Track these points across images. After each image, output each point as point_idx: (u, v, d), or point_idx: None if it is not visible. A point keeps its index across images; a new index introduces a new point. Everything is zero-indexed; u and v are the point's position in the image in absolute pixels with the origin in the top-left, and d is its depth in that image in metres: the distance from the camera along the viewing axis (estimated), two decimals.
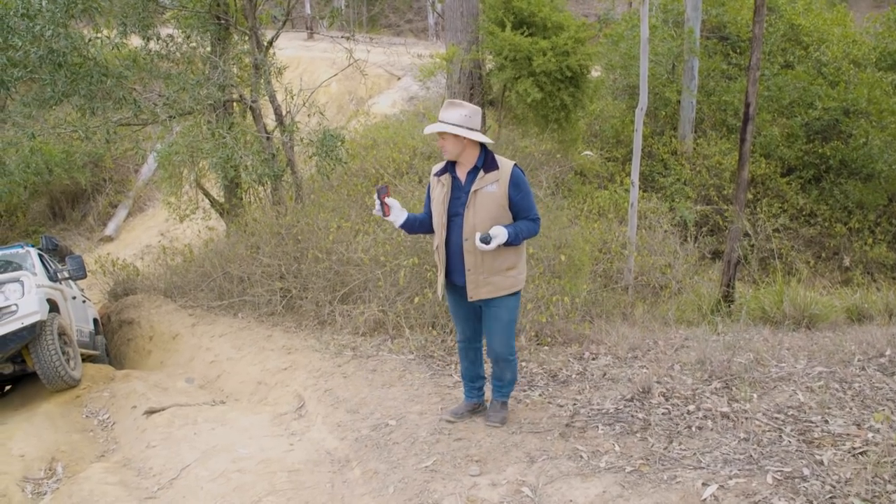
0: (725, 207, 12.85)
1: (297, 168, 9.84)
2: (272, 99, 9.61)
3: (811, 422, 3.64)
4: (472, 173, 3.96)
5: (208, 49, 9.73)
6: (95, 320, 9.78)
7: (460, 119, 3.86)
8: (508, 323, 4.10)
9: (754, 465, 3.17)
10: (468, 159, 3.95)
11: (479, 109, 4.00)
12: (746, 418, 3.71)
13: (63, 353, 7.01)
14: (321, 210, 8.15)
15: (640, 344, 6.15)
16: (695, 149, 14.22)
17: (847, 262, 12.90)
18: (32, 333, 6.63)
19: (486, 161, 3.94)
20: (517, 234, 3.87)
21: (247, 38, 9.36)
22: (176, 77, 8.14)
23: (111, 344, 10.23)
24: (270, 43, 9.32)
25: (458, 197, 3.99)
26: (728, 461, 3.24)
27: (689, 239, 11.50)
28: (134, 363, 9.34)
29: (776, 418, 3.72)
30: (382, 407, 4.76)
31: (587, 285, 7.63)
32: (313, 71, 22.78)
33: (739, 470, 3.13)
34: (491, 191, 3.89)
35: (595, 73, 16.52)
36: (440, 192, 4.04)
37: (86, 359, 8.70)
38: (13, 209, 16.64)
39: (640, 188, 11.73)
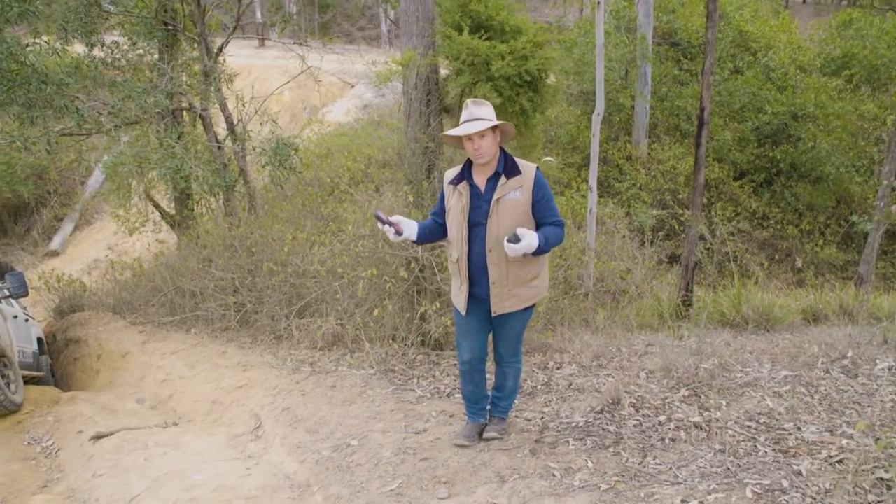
0: (681, 212, 12.98)
1: (250, 178, 9.59)
2: (223, 107, 9.35)
3: (784, 429, 3.58)
4: (493, 179, 3.70)
5: (156, 56, 9.42)
6: (39, 339, 9.34)
7: (491, 113, 3.66)
8: (518, 333, 3.95)
9: (732, 479, 3.08)
10: (490, 164, 3.71)
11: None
12: (719, 428, 3.64)
13: (3, 376, 6.65)
14: (275, 221, 7.92)
15: (603, 351, 6.08)
16: (649, 154, 14.36)
17: (799, 263, 13.14)
18: None
19: (507, 165, 3.69)
20: (547, 240, 3.58)
21: (196, 44, 9.07)
22: (121, 85, 7.83)
23: (57, 364, 9.79)
24: (220, 50, 9.06)
25: (479, 206, 3.71)
26: (705, 475, 3.15)
27: (646, 244, 11.55)
28: (81, 384, 8.94)
29: (748, 427, 3.65)
30: (343, 426, 4.58)
31: (548, 293, 7.55)
32: (265, 79, 22.47)
33: (717, 484, 3.04)
34: (514, 197, 3.64)
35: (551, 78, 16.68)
36: (458, 202, 3.75)
37: (29, 381, 8.29)
38: None
39: (597, 194, 11.78)
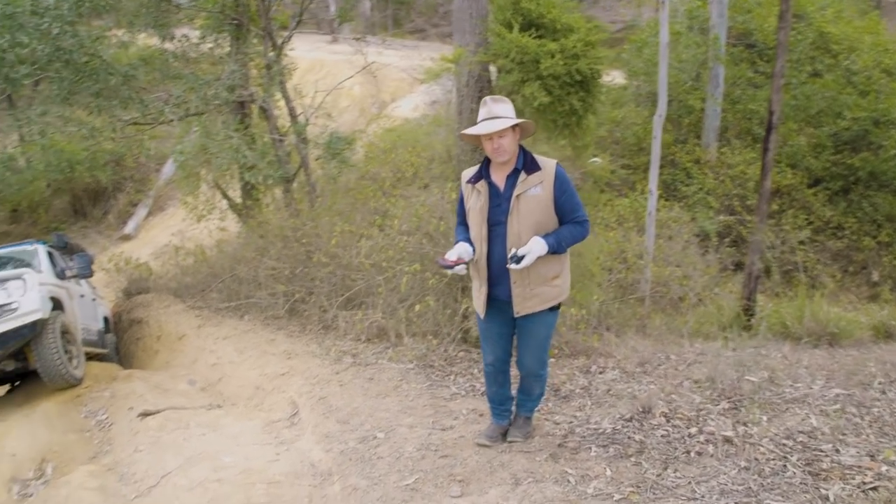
0: (749, 218, 12.54)
1: (311, 170, 9.75)
2: (287, 100, 9.54)
3: (821, 450, 3.41)
4: (512, 176, 3.63)
5: (227, 49, 9.69)
6: (106, 318, 9.76)
7: (511, 111, 3.61)
8: (544, 339, 3.83)
9: (753, 498, 2.95)
10: (510, 161, 3.64)
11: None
12: (751, 444, 3.49)
13: (65, 351, 6.95)
14: (327, 213, 8.04)
15: (650, 358, 5.93)
16: (719, 158, 13.93)
17: (875, 276, 12.50)
18: (33, 331, 6.58)
19: (527, 161, 3.62)
20: (560, 241, 3.54)
21: (261, 38, 9.29)
22: (185, 77, 8.08)
23: (121, 342, 10.20)
24: (282, 44, 9.24)
25: (499, 204, 3.64)
26: (725, 492, 3.03)
27: (710, 250, 11.23)
28: (142, 362, 9.29)
29: (783, 445, 3.49)
30: (373, 418, 4.61)
31: (599, 295, 7.42)
32: (336, 74, 22.74)
33: (736, 503, 2.92)
34: (535, 194, 3.56)
35: (617, 79, 16.39)
36: (477, 201, 3.68)
37: (94, 357, 8.67)
38: (35, 206, 16.79)
39: (661, 197, 11.51)
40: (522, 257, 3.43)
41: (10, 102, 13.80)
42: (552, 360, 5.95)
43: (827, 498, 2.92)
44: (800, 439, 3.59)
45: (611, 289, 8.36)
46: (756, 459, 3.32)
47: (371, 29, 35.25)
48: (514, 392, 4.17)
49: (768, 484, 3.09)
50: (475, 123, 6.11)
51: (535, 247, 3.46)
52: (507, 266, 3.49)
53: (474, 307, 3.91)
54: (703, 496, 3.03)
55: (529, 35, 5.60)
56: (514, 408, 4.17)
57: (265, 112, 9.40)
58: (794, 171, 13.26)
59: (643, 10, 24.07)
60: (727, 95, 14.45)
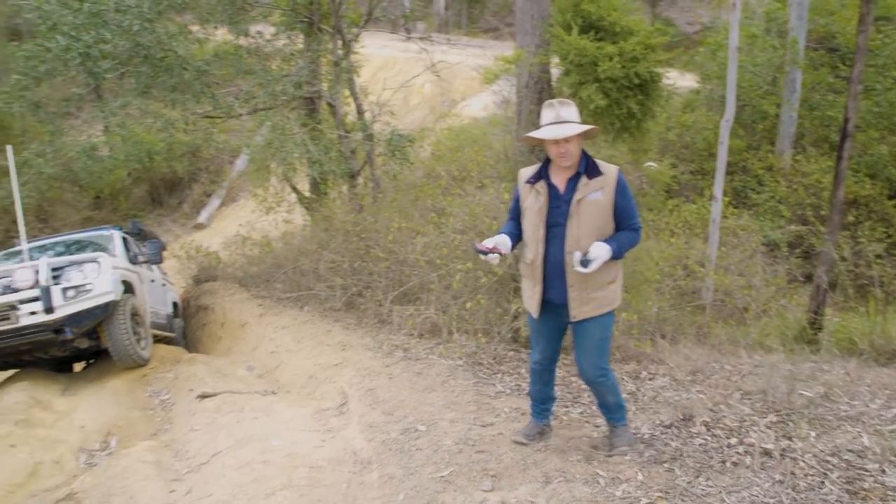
0: (822, 229, 12.12)
1: (376, 166, 9.92)
2: (355, 97, 9.74)
3: (865, 470, 3.31)
4: (574, 180, 3.62)
5: (299, 46, 9.96)
6: (175, 304, 10.18)
7: (577, 115, 3.61)
8: (602, 341, 3.75)
9: None
10: (572, 164, 3.62)
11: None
12: (791, 458, 3.42)
13: (134, 332, 7.32)
14: (385, 209, 8.19)
15: (703, 367, 5.84)
16: (793, 165, 13.49)
17: None
18: (105, 312, 6.96)
19: (589, 166, 3.61)
20: (620, 248, 3.56)
21: (331, 36, 9.51)
22: (256, 73, 8.36)
23: (188, 327, 10.62)
24: (351, 41, 9.43)
25: (558, 206, 3.62)
26: None
27: (780, 260, 10.91)
28: (206, 348, 9.65)
29: (826, 462, 3.41)
30: (417, 411, 4.70)
31: (655, 302, 7.34)
32: (408, 71, 23.00)
33: None
34: (596, 199, 3.55)
35: (690, 82, 16.06)
36: (535, 202, 3.67)
37: (161, 340, 9.06)
38: (116, 193, 17.61)
39: (730, 204, 11.25)
40: (591, 261, 3.44)
41: (98, 95, 14.52)
42: None
43: None
44: (845, 457, 3.50)
45: (669, 295, 8.24)
46: (793, 473, 3.25)
47: (444, 27, 35.50)
48: (556, 393, 4.19)
49: (801, 499, 3.03)
50: (535, 124, 6.14)
51: (602, 252, 3.47)
52: (575, 268, 3.49)
53: (525, 307, 3.90)
54: None
55: (589, 37, 5.58)
56: (551, 412, 4.17)
57: (332, 108, 9.62)
58: (873, 182, 12.73)
59: (721, 11, 23.49)
60: (805, 101, 13.98)
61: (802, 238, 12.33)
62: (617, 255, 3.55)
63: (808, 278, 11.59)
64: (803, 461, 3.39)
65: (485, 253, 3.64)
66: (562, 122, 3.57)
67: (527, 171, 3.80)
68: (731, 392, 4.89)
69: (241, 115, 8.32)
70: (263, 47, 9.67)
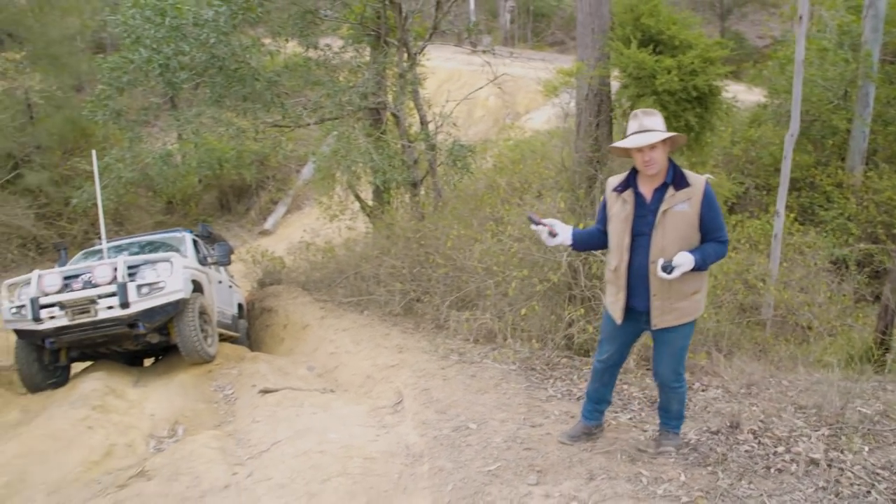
0: (893, 247, 11.77)
1: (439, 176, 10.13)
2: (418, 108, 9.98)
3: None
4: (661, 190, 3.63)
5: (366, 59, 10.29)
6: (240, 305, 10.57)
7: (662, 124, 3.63)
8: (681, 349, 3.79)
9: None
10: (659, 174, 3.64)
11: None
12: (838, 468, 3.42)
13: (202, 329, 7.66)
14: (444, 217, 8.37)
15: (759, 381, 5.79)
16: (864, 182, 13.12)
17: None
18: (176, 309, 7.32)
19: (677, 176, 3.61)
20: (704, 259, 3.57)
21: (396, 49, 9.78)
22: (324, 84, 8.68)
23: (252, 328, 11.00)
24: (416, 54, 9.68)
25: (644, 216, 3.65)
26: None
27: (847, 278, 10.64)
28: (269, 348, 9.99)
29: (876, 474, 3.39)
30: (469, 411, 4.83)
31: (713, 315, 7.30)
32: (472, 84, 23.26)
33: None
34: (682, 210, 3.56)
35: (758, 96, 15.80)
36: (621, 210, 3.70)
37: (227, 339, 9.44)
38: (188, 199, 18.33)
39: (796, 220, 11.05)
40: (674, 268, 3.49)
41: (173, 104, 15.20)
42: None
43: None
44: None
45: (727, 310, 8.17)
46: (838, 482, 3.25)
47: (510, 40, 35.71)
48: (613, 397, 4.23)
49: None
50: (595, 137, 6.25)
51: (686, 261, 3.49)
52: (658, 274, 3.54)
53: (609, 312, 3.93)
54: None
55: (648, 51, 5.65)
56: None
57: (396, 119, 9.88)
58: None
59: (791, 25, 22.99)
60: (879, 116, 13.58)
61: (872, 256, 11.99)
62: (701, 266, 3.57)
63: (878, 298, 11.26)
64: (851, 472, 3.38)
65: (535, 222, 3.77)
66: (645, 130, 3.60)
67: (615, 180, 3.81)
68: (785, 406, 4.86)
69: (308, 124, 8.64)
70: (331, 59, 10.01)
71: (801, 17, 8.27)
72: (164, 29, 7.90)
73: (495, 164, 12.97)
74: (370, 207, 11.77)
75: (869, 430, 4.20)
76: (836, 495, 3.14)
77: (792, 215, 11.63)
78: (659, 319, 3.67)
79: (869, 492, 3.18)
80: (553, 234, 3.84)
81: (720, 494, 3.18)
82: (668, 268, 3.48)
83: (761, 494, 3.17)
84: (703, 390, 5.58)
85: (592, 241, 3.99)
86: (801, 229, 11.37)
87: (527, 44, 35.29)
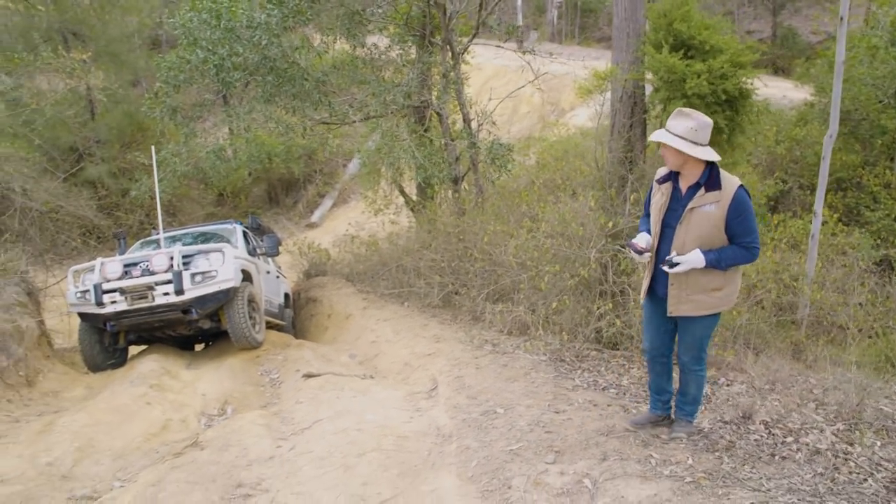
0: None
1: (480, 173, 10.39)
2: (462, 106, 10.25)
3: None
4: (693, 188, 3.79)
5: (411, 57, 10.60)
6: (287, 295, 11.01)
7: (685, 131, 3.71)
8: (701, 339, 3.98)
9: (817, 499, 3.11)
10: (691, 173, 3.79)
11: (709, 122, 3.79)
12: (842, 458, 3.60)
13: (250, 317, 8.09)
14: (482, 213, 8.63)
15: (785, 378, 5.93)
16: None
17: None
18: (227, 297, 7.75)
19: (710, 179, 3.74)
20: (720, 260, 3.70)
21: (440, 48, 10.06)
22: (370, 83, 9.02)
23: (298, 317, 11.43)
24: (460, 53, 9.94)
25: (675, 209, 3.86)
26: (792, 490, 3.21)
27: (892, 281, 10.58)
28: (313, 337, 10.40)
29: (879, 465, 3.56)
30: (498, 397, 5.11)
31: (744, 313, 7.42)
32: (518, 81, 23.41)
33: (799, 500, 3.10)
34: (708, 211, 3.71)
35: (805, 95, 15.63)
36: (659, 200, 3.93)
37: (273, 327, 9.87)
38: (238, 192, 18.94)
39: (840, 221, 11.01)
40: (677, 264, 3.70)
41: (225, 101, 15.76)
42: None
43: None
44: None
45: (761, 308, 8.25)
46: (837, 468, 3.44)
47: (557, 37, 35.67)
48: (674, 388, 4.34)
49: (838, 489, 3.22)
50: (627, 138, 6.46)
51: (693, 258, 3.69)
52: (661, 266, 3.78)
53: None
54: (768, 490, 3.23)
55: (678, 55, 5.82)
56: (672, 405, 4.32)
57: (439, 117, 10.18)
58: None
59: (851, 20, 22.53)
60: None
61: None
62: (715, 266, 3.72)
63: None
64: (854, 462, 3.57)
65: (639, 252, 3.93)
66: (666, 131, 3.79)
67: (661, 171, 4.02)
68: (807, 402, 5.02)
69: (354, 122, 8.99)
70: (378, 59, 10.35)
71: (841, 18, 8.30)
72: (219, 31, 8.35)
73: (538, 161, 13.17)
74: (413, 202, 12.10)
75: (885, 426, 4.35)
76: (832, 480, 3.33)
77: (836, 216, 11.56)
78: (674, 307, 3.87)
79: (866, 479, 3.36)
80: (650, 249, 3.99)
81: (722, 476, 3.40)
82: (672, 263, 3.68)
83: (761, 477, 3.38)
84: (727, 385, 5.76)
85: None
86: (845, 230, 11.31)
87: (574, 40, 35.21)
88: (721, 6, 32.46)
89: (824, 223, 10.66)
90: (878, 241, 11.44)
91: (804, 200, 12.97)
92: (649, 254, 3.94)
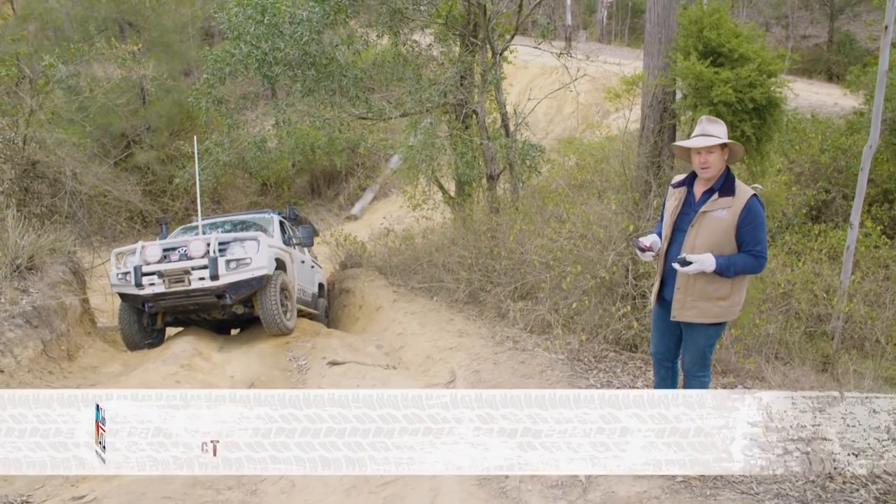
0: None
1: (517, 172, 10.48)
2: (500, 105, 10.35)
3: None
4: (707, 193, 3.88)
5: (455, 55, 10.74)
6: (321, 285, 11.27)
7: (722, 133, 3.85)
8: (704, 348, 4.02)
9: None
10: (711, 178, 3.88)
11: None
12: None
13: (282, 304, 8.34)
14: (516, 213, 8.73)
15: (805, 390, 5.93)
16: None
17: None
18: (260, 284, 8.02)
19: (725, 184, 3.83)
20: (729, 266, 3.74)
21: (480, 48, 10.17)
22: (407, 81, 9.20)
23: (331, 307, 11.69)
24: (501, 51, 10.03)
25: (687, 213, 3.94)
26: (781, 496, 3.27)
27: None
28: (345, 326, 10.65)
29: (878, 478, 3.60)
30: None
31: (768, 321, 7.40)
32: (563, 80, 23.32)
33: None
34: (719, 216, 3.78)
35: (855, 103, 15.31)
36: (672, 204, 4.02)
37: (306, 315, 10.13)
38: (281, 182, 19.33)
39: (884, 233, 10.82)
40: (689, 263, 3.75)
41: (273, 93, 16.13)
42: None
43: None
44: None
45: (793, 318, 8.18)
46: (830, 477, 3.48)
47: (606, 37, 35.42)
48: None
49: (827, 497, 3.27)
50: (655, 142, 6.51)
51: (705, 260, 3.73)
52: (672, 264, 3.84)
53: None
54: (757, 493, 3.30)
55: (706, 63, 5.85)
56: None
57: (476, 115, 10.30)
58: None
59: None
60: None
61: None
62: (723, 272, 3.76)
63: None
64: (853, 472, 3.60)
65: (642, 249, 4.05)
66: (706, 135, 3.86)
67: (677, 177, 4.13)
68: None
69: (390, 118, 9.19)
70: (418, 56, 10.51)
71: (886, 27, 8.17)
72: (263, 26, 8.63)
73: (577, 162, 13.19)
74: (451, 199, 12.24)
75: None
76: (822, 489, 3.38)
77: (879, 228, 11.37)
78: (678, 312, 3.94)
79: (858, 490, 3.40)
80: (654, 250, 4.09)
81: (714, 477, 3.48)
82: (683, 262, 3.74)
83: (752, 481, 3.45)
84: None
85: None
86: (889, 242, 11.10)
87: (623, 41, 34.91)
88: (775, 10, 31.85)
89: (867, 235, 10.50)
90: None
91: (847, 211, 12.72)
92: (652, 254, 4.02)
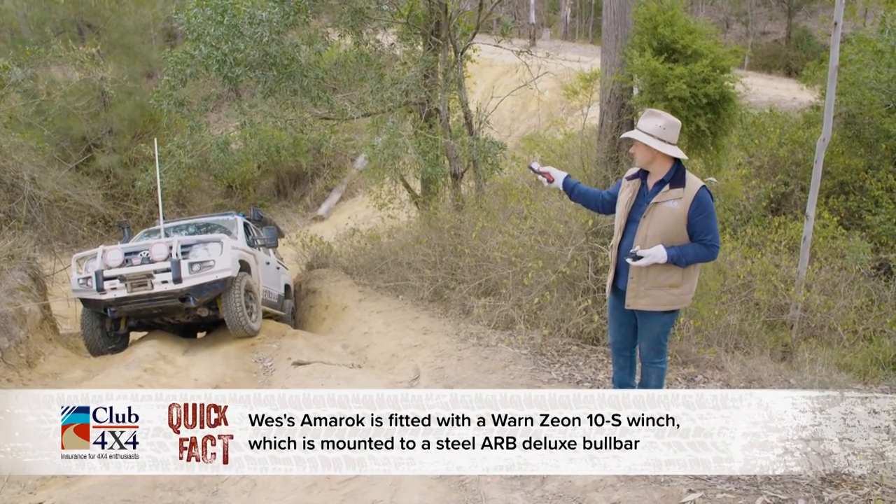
0: None
1: (480, 170, 10.54)
2: (463, 104, 10.40)
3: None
4: (658, 185, 3.98)
5: (418, 55, 10.77)
6: (287, 286, 11.23)
7: (654, 129, 3.91)
8: (658, 336, 4.15)
9: (753, 487, 3.26)
10: (658, 170, 3.98)
11: (677, 123, 3.99)
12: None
13: (247, 306, 8.30)
14: (479, 211, 8.79)
15: (765, 378, 6.08)
16: None
17: None
18: (224, 286, 7.97)
19: (675, 177, 3.94)
20: (681, 256, 3.87)
21: (441, 46, 10.22)
22: (369, 80, 9.21)
23: (297, 308, 11.65)
24: (462, 51, 10.08)
25: (640, 205, 4.03)
26: (732, 479, 3.36)
27: (891, 285, 10.63)
28: (312, 327, 10.62)
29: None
30: (474, 387, 5.29)
31: (727, 312, 7.54)
32: (526, 80, 23.48)
33: (736, 487, 3.25)
34: (670, 207, 3.89)
35: (812, 98, 15.65)
36: (626, 195, 4.10)
37: (272, 317, 10.09)
38: (246, 184, 19.19)
39: (840, 224, 11.09)
40: (640, 257, 3.87)
41: (237, 94, 15.99)
42: None
43: (821, 498, 3.17)
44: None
45: (748, 308, 8.36)
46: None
47: (570, 35, 35.70)
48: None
49: (774, 479, 3.36)
50: (613, 139, 6.61)
51: (656, 253, 3.85)
52: (626, 259, 3.96)
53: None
54: (710, 478, 3.39)
55: (661, 59, 5.96)
56: None
57: (439, 114, 10.35)
58: None
59: (861, 24, 22.45)
60: None
61: None
62: (676, 262, 3.88)
63: None
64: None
65: (535, 172, 4.30)
66: (636, 129, 4.02)
67: (631, 170, 4.21)
68: None
69: (352, 118, 9.19)
70: (380, 56, 10.53)
71: (836, 23, 8.38)
72: (223, 27, 8.59)
73: (541, 159, 13.29)
74: (417, 197, 12.26)
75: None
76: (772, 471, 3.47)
77: (836, 219, 11.64)
78: (632, 301, 4.04)
79: (803, 472, 3.50)
80: (550, 181, 4.36)
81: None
82: (635, 256, 3.86)
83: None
84: (704, 383, 5.91)
85: (588, 199, 4.40)
86: (845, 233, 11.37)
87: (587, 38, 35.22)
88: (734, 7, 32.36)
89: (825, 226, 10.76)
90: (879, 245, 11.48)
91: (805, 203, 13.01)
92: (545, 180, 4.34)
